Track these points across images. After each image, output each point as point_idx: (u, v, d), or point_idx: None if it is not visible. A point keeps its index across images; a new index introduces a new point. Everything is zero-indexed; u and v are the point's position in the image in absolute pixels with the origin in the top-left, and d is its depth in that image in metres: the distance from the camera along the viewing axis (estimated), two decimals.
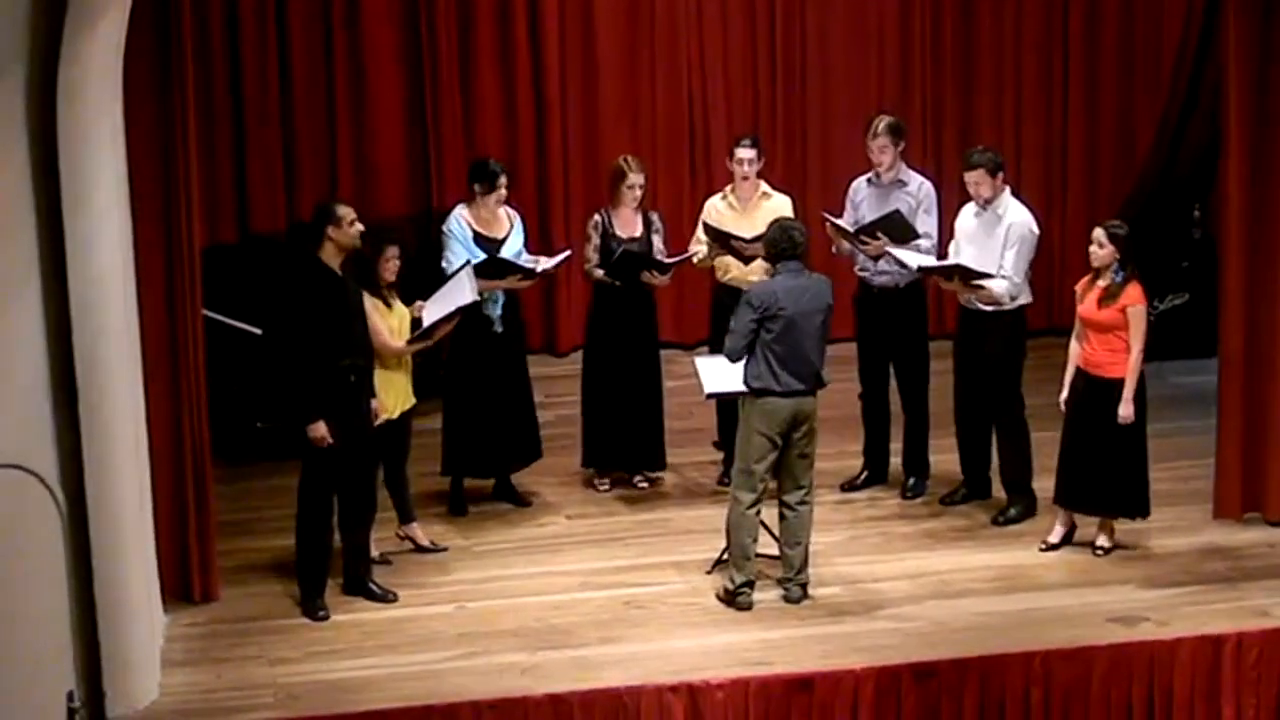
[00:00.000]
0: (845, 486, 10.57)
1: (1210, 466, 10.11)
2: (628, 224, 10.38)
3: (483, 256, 9.92)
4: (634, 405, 10.43)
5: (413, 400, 9.62)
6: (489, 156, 10.88)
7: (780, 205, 10.36)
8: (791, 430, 9.02)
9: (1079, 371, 9.53)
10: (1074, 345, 9.58)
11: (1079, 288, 9.59)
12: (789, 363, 8.97)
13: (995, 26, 13.45)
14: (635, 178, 10.33)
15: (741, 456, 9.15)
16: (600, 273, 10.35)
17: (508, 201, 10.25)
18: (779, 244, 9.14)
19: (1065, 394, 9.60)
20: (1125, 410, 9.34)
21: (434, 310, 9.57)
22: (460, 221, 10.10)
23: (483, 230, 10.08)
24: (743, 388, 9.09)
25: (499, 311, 10.10)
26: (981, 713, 8.52)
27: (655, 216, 10.52)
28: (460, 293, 9.62)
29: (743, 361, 9.06)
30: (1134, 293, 9.35)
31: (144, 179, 8.61)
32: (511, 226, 10.22)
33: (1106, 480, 9.50)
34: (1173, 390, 11.95)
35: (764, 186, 10.48)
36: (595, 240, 10.37)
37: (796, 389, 8.97)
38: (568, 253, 10.59)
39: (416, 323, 9.56)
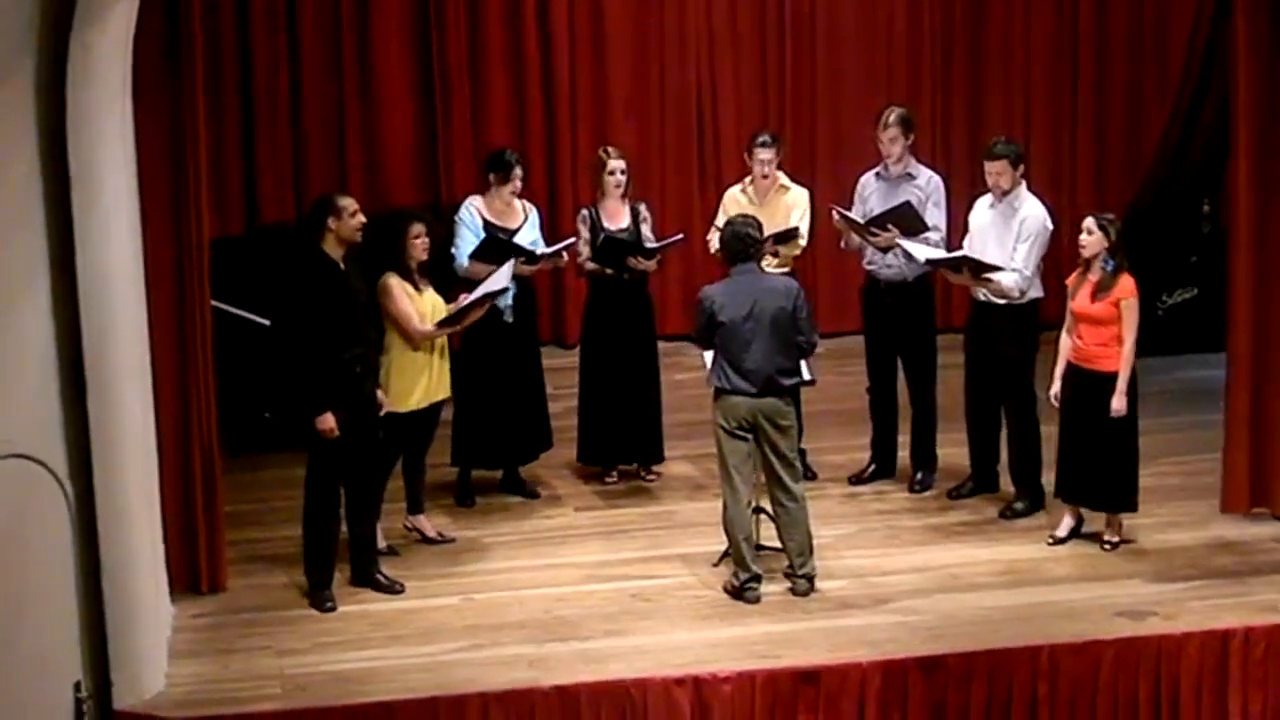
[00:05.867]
0: (853, 480, 10.58)
1: (1218, 461, 10.10)
2: (615, 215, 10.37)
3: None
4: (631, 399, 10.41)
5: (447, 392, 9.59)
6: (506, 147, 10.85)
7: (798, 198, 10.37)
8: (755, 428, 8.97)
9: (1070, 366, 9.53)
10: (1064, 339, 9.58)
11: (1070, 282, 9.59)
12: (736, 366, 8.92)
13: (1005, 22, 13.44)
14: (615, 164, 10.33)
15: (718, 455, 9.12)
16: (592, 264, 10.36)
17: (523, 195, 10.28)
18: (732, 247, 9.08)
19: (1056, 388, 9.60)
20: (1119, 403, 9.33)
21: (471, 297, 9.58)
22: (471, 210, 10.12)
23: (495, 220, 10.09)
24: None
25: (509, 301, 10.10)
26: (988, 706, 8.51)
27: (642, 206, 10.50)
28: (496, 280, 9.63)
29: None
30: (1127, 285, 9.35)
31: (153, 171, 8.61)
32: (526, 219, 10.23)
33: (1098, 474, 9.50)
34: (1181, 385, 11.95)
35: (782, 179, 10.45)
36: (585, 234, 10.37)
37: (747, 391, 8.93)
38: (570, 240, 10.48)
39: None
